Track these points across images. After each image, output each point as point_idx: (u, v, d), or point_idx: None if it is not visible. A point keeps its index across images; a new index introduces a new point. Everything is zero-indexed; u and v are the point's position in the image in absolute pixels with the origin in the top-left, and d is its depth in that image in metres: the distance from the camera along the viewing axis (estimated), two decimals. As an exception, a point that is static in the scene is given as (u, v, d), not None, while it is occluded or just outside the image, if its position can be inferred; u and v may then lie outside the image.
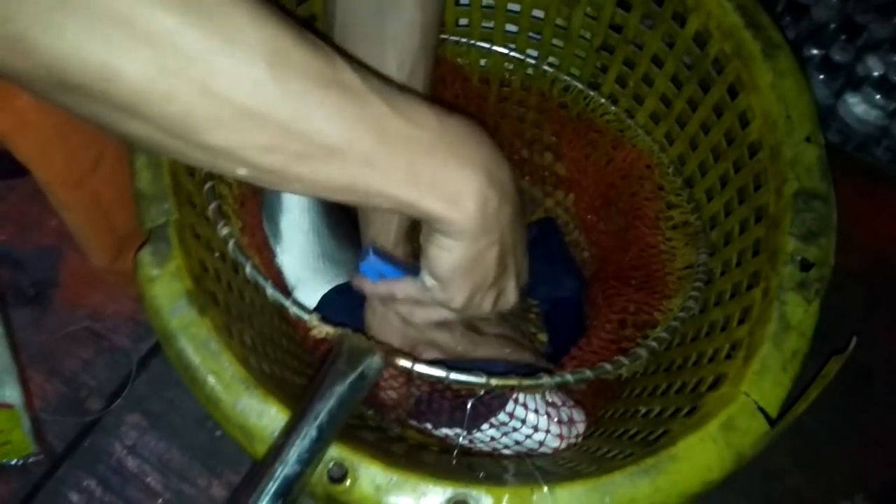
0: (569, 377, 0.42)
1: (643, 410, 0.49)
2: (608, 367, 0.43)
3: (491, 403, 0.50)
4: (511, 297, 0.46)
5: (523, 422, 0.50)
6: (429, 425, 0.54)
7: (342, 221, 0.63)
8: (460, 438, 0.53)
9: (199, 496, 0.66)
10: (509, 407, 0.50)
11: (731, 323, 0.45)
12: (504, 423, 0.50)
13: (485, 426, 0.52)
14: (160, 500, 0.66)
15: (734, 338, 0.44)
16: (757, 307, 0.43)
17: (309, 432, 0.35)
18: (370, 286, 0.49)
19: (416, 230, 0.46)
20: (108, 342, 0.72)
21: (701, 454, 0.38)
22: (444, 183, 0.36)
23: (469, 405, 0.47)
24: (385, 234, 0.52)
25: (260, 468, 0.34)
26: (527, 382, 0.41)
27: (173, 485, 0.66)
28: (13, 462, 0.66)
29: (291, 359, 0.52)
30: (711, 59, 0.51)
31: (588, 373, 0.42)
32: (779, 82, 0.46)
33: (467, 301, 0.43)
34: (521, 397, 0.50)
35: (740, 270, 0.48)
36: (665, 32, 0.55)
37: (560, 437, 0.52)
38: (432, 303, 0.45)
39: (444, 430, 0.54)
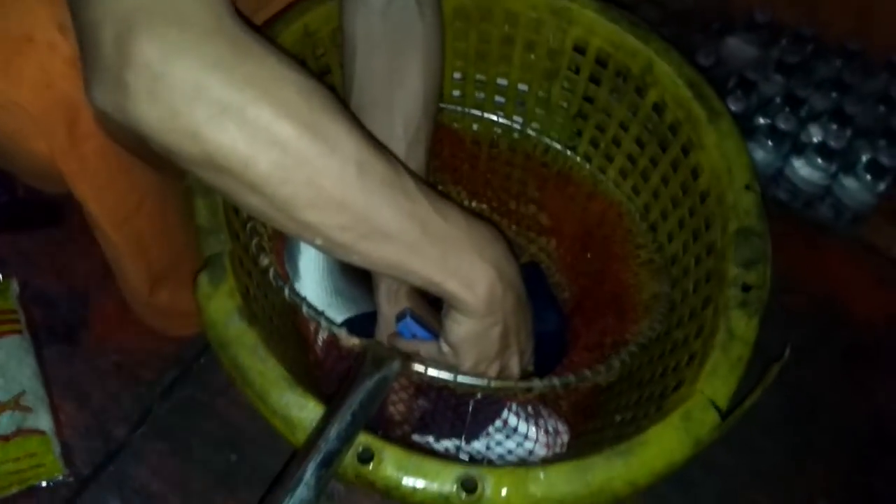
0: (556, 381, 0.50)
1: (618, 419, 0.57)
2: (588, 373, 0.51)
3: (488, 411, 0.58)
4: (514, 370, 0.54)
5: (515, 430, 0.58)
6: (431, 438, 0.62)
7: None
8: (459, 450, 0.61)
9: (217, 516, 0.72)
10: (504, 414, 0.58)
11: (690, 339, 0.54)
12: (499, 430, 0.58)
13: (482, 436, 0.60)
14: (180, 520, 0.72)
15: (692, 350, 0.53)
16: (708, 323, 0.52)
17: (345, 417, 0.43)
18: (402, 342, 0.57)
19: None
20: (134, 375, 0.79)
21: (666, 439, 0.46)
22: (465, 272, 0.47)
23: (470, 408, 0.55)
24: (396, 284, 0.60)
25: (306, 446, 0.42)
26: (521, 385, 0.49)
27: (193, 505, 0.72)
28: (44, 484, 0.71)
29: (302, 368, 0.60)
30: (668, 125, 0.62)
31: (572, 378, 0.50)
32: (721, 142, 0.56)
33: (473, 367, 0.52)
34: (514, 407, 0.58)
35: (696, 296, 0.57)
36: (629, 103, 0.66)
37: (547, 445, 0.60)
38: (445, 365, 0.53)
39: (445, 443, 0.61)
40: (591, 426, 0.63)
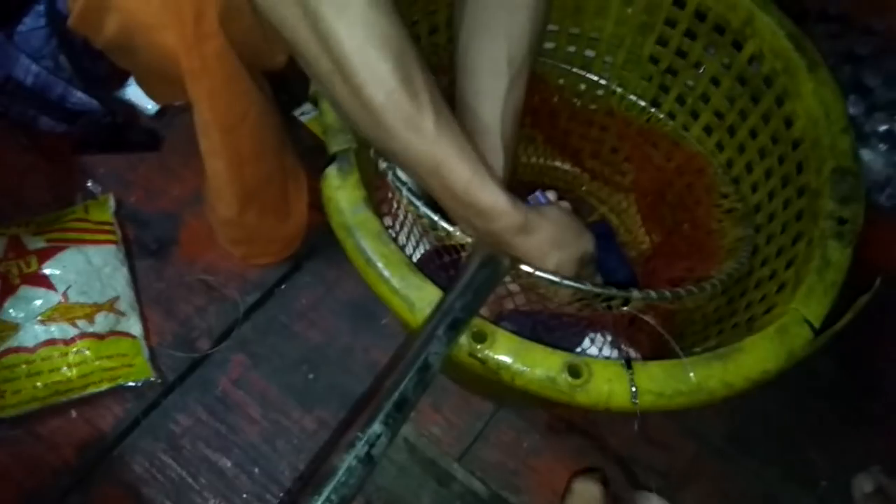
0: (653, 294, 0.52)
1: (698, 350, 0.60)
2: (682, 292, 0.54)
3: (572, 335, 0.60)
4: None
5: (600, 350, 0.61)
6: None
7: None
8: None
9: (292, 427, 0.75)
10: (585, 343, 0.60)
11: (779, 272, 0.57)
12: (583, 351, 0.61)
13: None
14: (258, 428, 0.75)
15: (781, 280, 0.55)
16: (801, 254, 0.54)
17: (467, 294, 0.46)
18: None
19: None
20: (219, 293, 0.82)
21: (761, 349, 0.48)
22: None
23: (555, 330, 0.58)
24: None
25: (434, 313, 0.45)
26: (620, 293, 0.52)
27: (271, 416, 0.75)
28: (133, 384, 0.75)
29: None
30: (763, 76, 0.64)
31: (668, 293, 0.53)
32: (819, 89, 0.59)
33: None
34: (595, 335, 0.61)
35: (784, 236, 0.59)
36: (724, 56, 0.68)
37: (625, 372, 0.62)
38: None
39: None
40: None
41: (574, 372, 0.46)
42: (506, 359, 0.47)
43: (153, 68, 0.66)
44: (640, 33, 0.74)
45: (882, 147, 0.97)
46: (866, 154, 0.99)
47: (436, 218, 0.53)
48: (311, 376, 0.78)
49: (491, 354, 0.47)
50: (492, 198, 0.49)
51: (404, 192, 0.54)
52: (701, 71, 0.71)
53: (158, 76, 0.67)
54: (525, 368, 0.47)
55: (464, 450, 0.74)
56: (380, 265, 0.49)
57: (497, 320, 0.65)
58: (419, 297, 0.48)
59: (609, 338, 0.63)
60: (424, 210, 0.53)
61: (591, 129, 0.84)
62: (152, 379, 0.76)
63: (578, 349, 0.63)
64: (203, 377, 0.77)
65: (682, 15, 0.69)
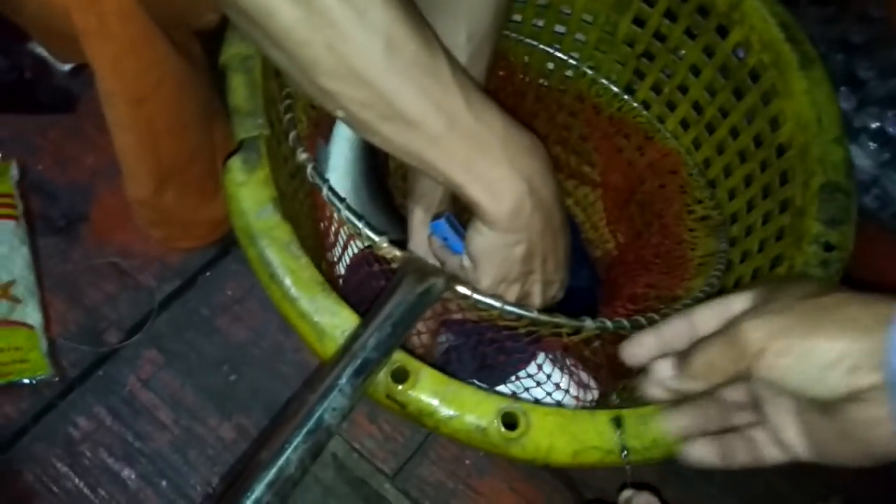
0: (609, 323, 0.45)
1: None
2: (643, 320, 0.47)
3: (523, 353, 0.53)
4: (535, 300, 0.50)
5: (549, 377, 0.54)
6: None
7: (379, 192, 0.67)
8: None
9: (207, 435, 0.67)
10: (539, 359, 0.53)
11: (752, 299, 0.50)
12: (531, 376, 0.54)
13: (510, 381, 0.55)
14: (168, 435, 0.67)
15: (756, 309, 0.48)
16: (780, 282, 0.47)
17: (385, 327, 0.38)
18: (434, 244, 0.52)
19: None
20: (133, 280, 0.73)
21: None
22: (490, 179, 0.42)
23: (503, 347, 0.50)
24: (430, 196, 0.56)
25: (341, 351, 0.37)
26: (571, 322, 0.45)
27: (183, 422, 0.68)
28: (27, 381, 0.67)
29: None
30: (749, 69, 0.57)
31: (626, 322, 0.46)
32: (813, 89, 0.51)
33: (492, 287, 0.48)
34: (550, 353, 0.54)
35: (762, 256, 0.52)
36: (706, 43, 0.60)
37: (577, 399, 0.55)
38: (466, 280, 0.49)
39: (467, 384, 0.57)
40: (622, 386, 0.58)
41: (509, 422, 0.39)
42: (430, 402, 0.39)
43: (46, 25, 0.56)
44: (616, 10, 0.65)
45: (872, 145, 0.91)
46: (854, 151, 0.92)
47: (360, 224, 0.45)
48: (232, 378, 0.70)
49: (413, 397, 0.39)
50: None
51: (325, 191, 0.46)
52: (680, 57, 0.63)
53: (55, 34, 0.58)
54: (452, 415, 0.39)
55: (399, 466, 0.67)
56: (287, 282, 0.41)
57: (439, 328, 0.58)
58: (332, 325, 0.40)
59: (565, 361, 0.56)
60: (346, 214, 0.45)
61: (559, 113, 0.76)
62: (50, 376, 0.67)
63: (533, 365, 0.56)
64: (109, 375, 0.69)
65: (663, -8, 0.61)
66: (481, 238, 0.46)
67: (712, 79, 0.61)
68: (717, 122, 0.62)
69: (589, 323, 0.45)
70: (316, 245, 0.60)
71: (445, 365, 0.57)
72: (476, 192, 0.43)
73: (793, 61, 0.53)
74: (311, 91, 0.40)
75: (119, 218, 0.75)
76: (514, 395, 0.54)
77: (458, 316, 0.56)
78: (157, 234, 0.74)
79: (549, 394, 0.55)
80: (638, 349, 0.39)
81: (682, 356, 0.35)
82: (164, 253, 0.74)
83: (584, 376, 0.56)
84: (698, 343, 0.34)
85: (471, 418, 0.39)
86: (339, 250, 0.57)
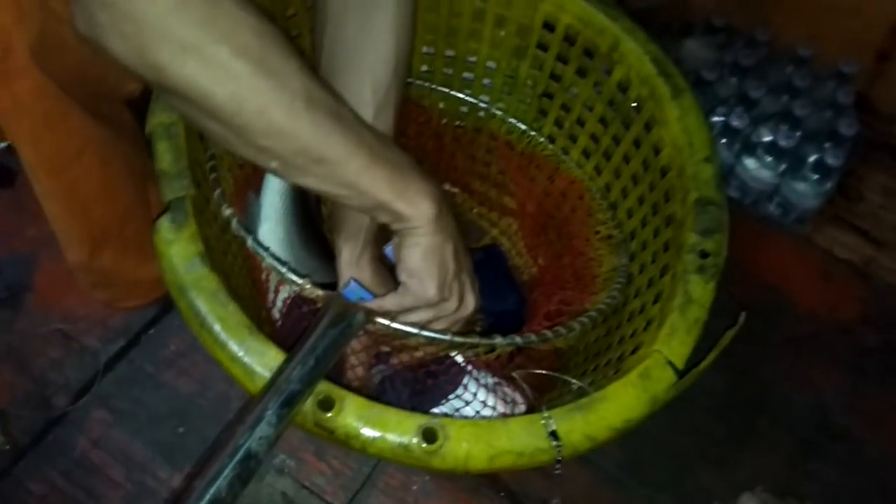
0: (518, 338, 0.50)
1: (575, 388, 0.58)
2: (549, 334, 0.51)
3: (450, 377, 0.58)
4: (470, 299, 0.56)
5: (475, 396, 0.58)
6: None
7: (311, 237, 0.71)
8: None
9: (159, 487, 0.69)
10: (465, 381, 0.58)
11: (647, 307, 0.55)
12: (458, 397, 0.58)
13: (441, 403, 0.59)
14: (121, 492, 0.69)
15: (649, 316, 0.54)
16: (666, 289, 0.53)
17: (308, 361, 0.42)
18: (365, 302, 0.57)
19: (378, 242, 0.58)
20: (78, 343, 0.75)
21: (624, 396, 0.46)
22: (410, 193, 0.50)
23: (432, 373, 0.55)
24: (355, 238, 0.60)
25: (267, 385, 0.41)
26: (484, 340, 0.49)
27: (135, 477, 0.69)
28: (-23, 452, 0.68)
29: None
30: (632, 102, 0.63)
31: (533, 336, 0.51)
32: (684, 116, 0.58)
33: (438, 290, 0.53)
34: (475, 374, 0.58)
35: (654, 266, 0.58)
36: (595, 81, 0.67)
37: (504, 415, 0.60)
38: (414, 304, 0.53)
39: (403, 411, 0.61)
40: (547, 398, 0.63)
41: (429, 436, 0.43)
42: (355, 426, 0.43)
43: None
44: (515, 56, 0.72)
45: (768, 158, 0.99)
46: (752, 164, 1.00)
47: (283, 270, 0.49)
48: (180, 430, 0.72)
49: (340, 422, 0.43)
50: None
51: (250, 242, 0.50)
52: (575, 95, 0.70)
53: None
54: (376, 435, 0.43)
55: (349, 500, 0.70)
56: (216, 328, 0.45)
57: (375, 363, 0.62)
58: (262, 364, 0.44)
59: (491, 379, 0.61)
60: (271, 262, 0.49)
61: (477, 151, 0.81)
62: (0, 444, 0.68)
63: (461, 388, 0.60)
64: (59, 439, 0.71)
65: (553, 39, 0.67)
66: (416, 247, 0.52)
67: (604, 112, 0.67)
68: (612, 150, 0.68)
69: (499, 340, 0.50)
70: (253, 294, 0.63)
71: (381, 394, 0.61)
72: (403, 205, 0.49)
73: (666, 93, 0.59)
74: (247, 151, 0.45)
75: (62, 285, 0.77)
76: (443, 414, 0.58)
77: (388, 350, 0.60)
78: (101, 295, 0.77)
79: (477, 412, 0.59)
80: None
81: None
82: (108, 315, 0.77)
83: (510, 394, 0.60)
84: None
85: (393, 437, 0.43)
86: (272, 295, 0.61)
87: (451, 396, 0.59)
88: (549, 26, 0.67)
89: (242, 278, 0.61)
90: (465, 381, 0.58)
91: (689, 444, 0.78)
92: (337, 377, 0.60)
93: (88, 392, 0.73)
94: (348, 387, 0.60)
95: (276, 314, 0.62)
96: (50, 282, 0.78)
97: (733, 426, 0.80)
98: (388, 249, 0.56)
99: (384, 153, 0.49)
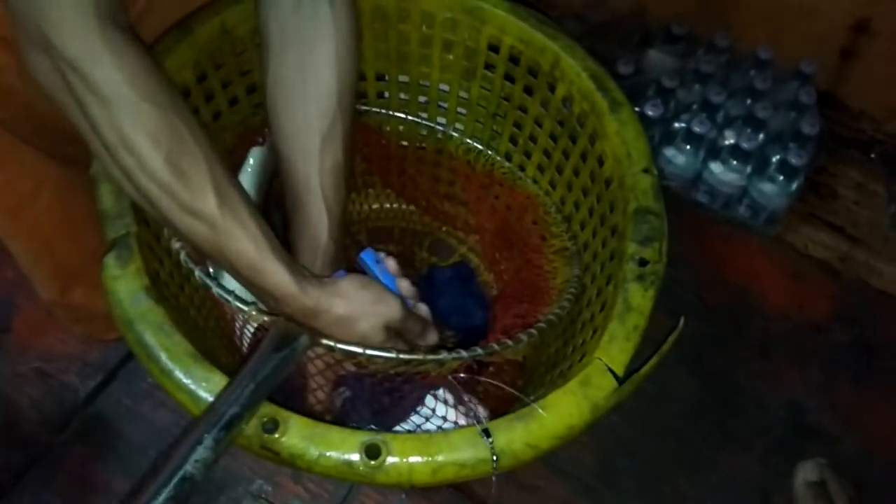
0: (464, 353, 0.51)
1: (532, 399, 0.59)
2: (495, 346, 0.53)
3: (412, 397, 0.59)
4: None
5: (433, 412, 0.59)
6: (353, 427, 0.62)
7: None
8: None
9: (139, 518, 0.70)
10: (427, 401, 0.59)
11: (595, 315, 0.57)
12: (418, 412, 0.59)
13: (404, 423, 0.60)
14: (102, 524, 0.70)
15: (595, 325, 0.55)
16: (610, 298, 0.54)
17: (249, 385, 0.43)
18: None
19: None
20: (57, 381, 0.77)
21: (564, 404, 0.47)
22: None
23: (393, 394, 0.56)
24: (311, 263, 0.62)
25: (208, 410, 0.42)
26: (430, 357, 0.50)
27: (115, 509, 0.71)
28: (-42, 492, 0.69)
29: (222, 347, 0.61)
30: (576, 117, 0.65)
31: (479, 350, 0.52)
32: (622, 129, 0.59)
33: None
34: (438, 393, 0.59)
35: (602, 276, 0.59)
36: (542, 99, 0.69)
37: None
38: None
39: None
40: (509, 410, 0.64)
41: (372, 452, 0.44)
42: (301, 446, 0.44)
43: None
44: (465, 78, 0.74)
45: (733, 161, 1.00)
46: (719, 168, 1.01)
47: (229, 298, 0.50)
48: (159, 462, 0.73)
49: (285, 444, 0.44)
50: (277, 281, 0.48)
51: (197, 273, 0.51)
52: (525, 112, 0.71)
53: None
54: (321, 454, 0.44)
55: (324, 521, 0.71)
56: (162, 357, 0.47)
57: (336, 386, 0.63)
58: (207, 390, 0.46)
59: (449, 395, 0.62)
60: (218, 291, 0.51)
61: (440, 172, 0.83)
62: (-19, 484, 0.70)
63: (423, 408, 0.61)
64: (39, 476, 0.72)
65: (499, 60, 0.69)
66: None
67: (552, 128, 0.69)
68: (563, 164, 0.69)
69: (445, 355, 0.51)
70: (222, 324, 0.65)
71: (344, 416, 0.62)
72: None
73: (605, 107, 0.61)
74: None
75: (40, 324, 0.79)
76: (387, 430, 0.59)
77: (350, 371, 0.61)
78: (80, 330, 0.78)
79: (439, 427, 0.60)
80: None
81: None
82: (85, 350, 0.79)
83: (472, 408, 0.61)
84: None
85: (337, 454, 0.44)
86: (240, 322, 0.62)
87: (412, 415, 0.60)
88: (493, 48, 0.69)
89: (207, 309, 0.63)
90: (426, 399, 0.59)
91: (663, 449, 0.79)
92: (299, 401, 0.61)
93: (68, 427, 0.74)
94: (311, 410, 0.62)
95: (244, 349, 0.64)
96: (28, 322, 0.80)
97: (707, 429, 0.80)
98: (365, 254, 0.58)
99: (317, 280, 0.51)
